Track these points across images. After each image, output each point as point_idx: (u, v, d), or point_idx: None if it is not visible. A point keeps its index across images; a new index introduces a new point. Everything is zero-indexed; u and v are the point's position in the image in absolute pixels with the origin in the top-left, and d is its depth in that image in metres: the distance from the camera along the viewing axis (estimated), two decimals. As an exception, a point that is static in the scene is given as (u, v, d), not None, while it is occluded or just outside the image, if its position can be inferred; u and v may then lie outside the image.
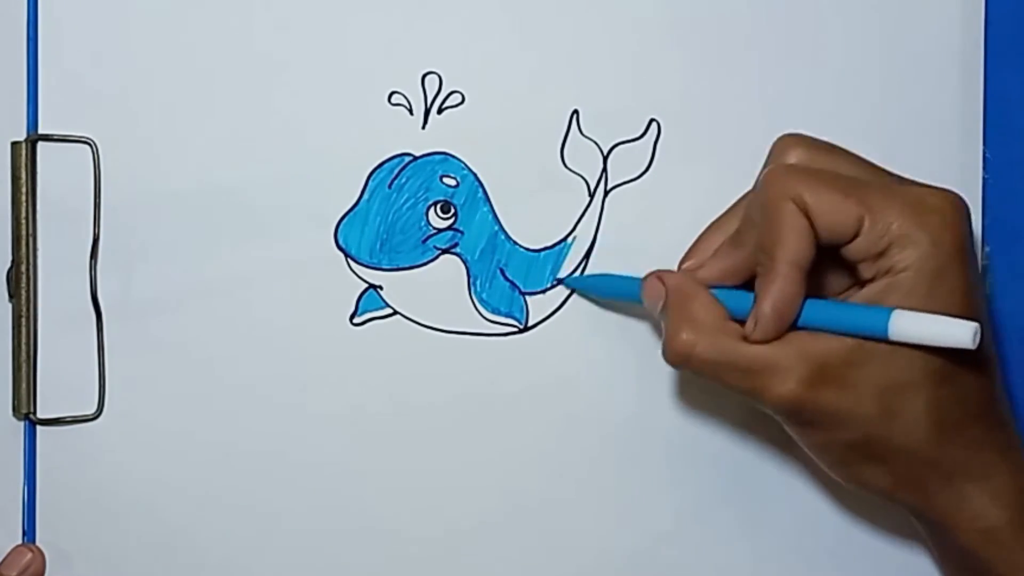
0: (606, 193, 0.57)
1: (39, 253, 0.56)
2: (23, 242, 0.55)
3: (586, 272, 0.57)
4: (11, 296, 0.55)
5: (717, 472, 0.59)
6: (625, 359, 0.58)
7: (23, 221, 0.55)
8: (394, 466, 0.57)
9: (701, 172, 0.57)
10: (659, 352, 0.57)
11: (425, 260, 0.57)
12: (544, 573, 0.58)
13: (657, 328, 0.58)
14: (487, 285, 0.57)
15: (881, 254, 0.50)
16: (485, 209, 0.57)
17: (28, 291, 0.55)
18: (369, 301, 0.57)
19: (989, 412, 0.52)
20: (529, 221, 0.57)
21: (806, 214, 0.49)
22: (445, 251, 0.57)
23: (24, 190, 0.55)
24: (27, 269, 0.55)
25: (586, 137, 0.57)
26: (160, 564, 0.57)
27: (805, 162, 0.52)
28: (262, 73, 0.56)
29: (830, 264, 0.52)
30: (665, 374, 0.58)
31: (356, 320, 0.57)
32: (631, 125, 0.57)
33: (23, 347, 0.55)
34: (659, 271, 0.54)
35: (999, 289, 0.59)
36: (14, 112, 0.55)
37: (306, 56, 0.56)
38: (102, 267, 0.56)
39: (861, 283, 0.51)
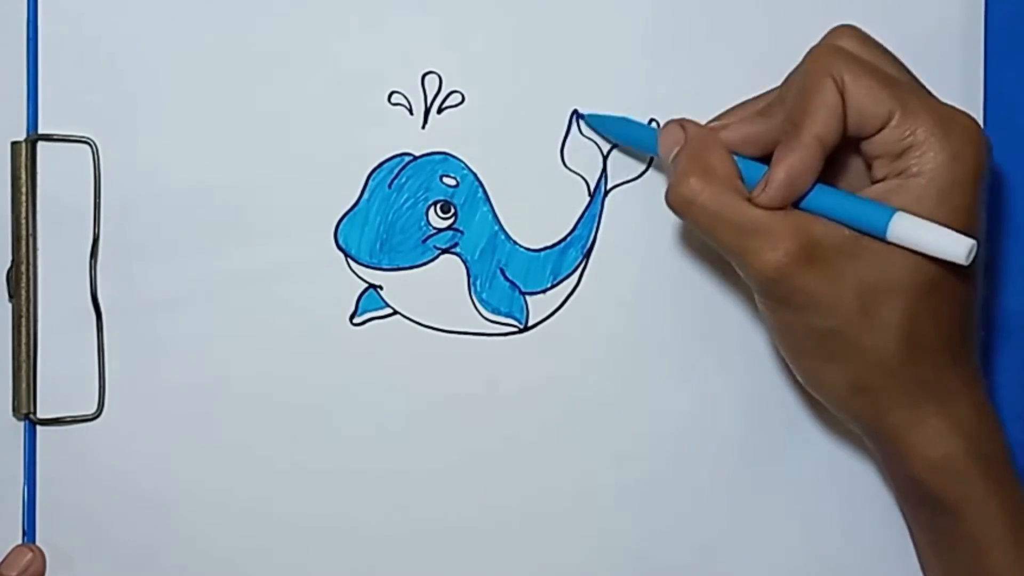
0: (606, 193, 0.57)
1: (39, 253, 0.56)
2: (23, 242, 0.55)
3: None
4: (11, 296, 0.55)
5: (717, 472, 0.59)
6: (625, 359, 0.58)
7: (23, 221, 0.55)
8: (394, 465, 0.57)
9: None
10: (659, 352, 0.57)
11: (425, 260, 0.57)
12: (544, 573, 0.58)
13: (659, 328, 0.58)
14: (487, 285, 0.57)
15: (900, 155, 0.50)
16: (485, 209, 0.57)
17: (28, 291, 0.55)
18: (369, 301, 0.57)
19: (960, 341, 0.52)
20: (529, 221, 0.57)
21: (842, 94, 0.50)
22: (445, 251, 0.57)
23: (24, 190, 0.55)
24: (27, 269, 0.55)
25: (586, 137, 0.57)
26: (160, 564, 0.57)
27: (853, 49, 0.52)
28: (262, 73, 0.56)
29: (847, 159, 0.52)
30: (665, 374, 0.58)
31: (356, 320, 0.57)
32: (631, 125, 0.58)
33: (23, 347, 0.55)
34: (681, 119, 0.54)
35: (999, 286, 0.59)
36: (14, 112, 0.55)
37: (306, 56, 0.56)
38: (102, 267, 0.56)
39: (872, 182, 0.51)
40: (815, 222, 0.50)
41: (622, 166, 0.58)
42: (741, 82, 0.57)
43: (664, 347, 0.58)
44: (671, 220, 0.57)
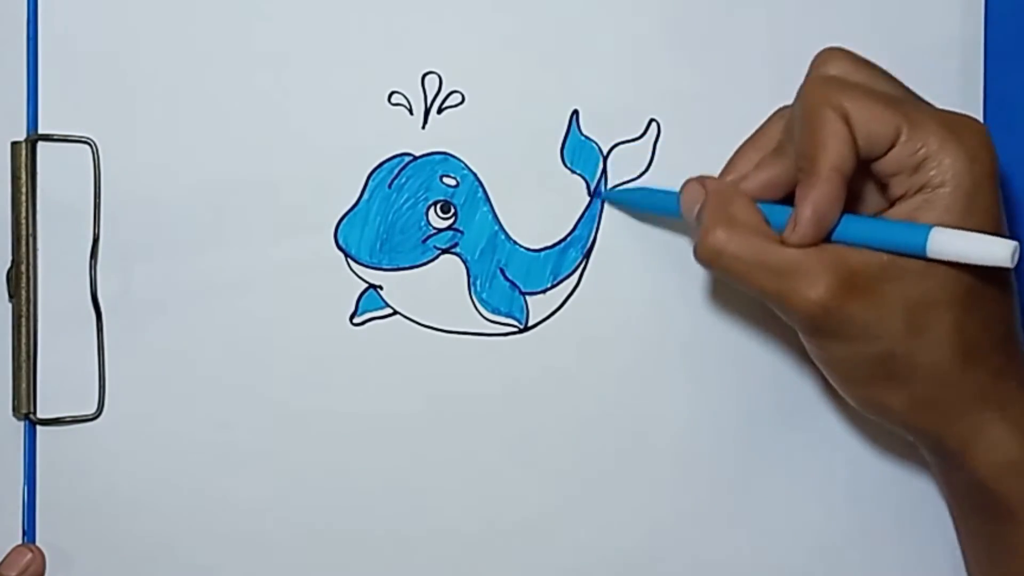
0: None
1: (39, 253, 0.56)
2: (23, 242, 0.55)
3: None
4: (11, 296, 0.55)
5: (717, 472, 0.59)
6: (625, 359, 0.58)
7: (23, 221, 0.55)
8: (394, 466, 0.57)
9: (701, 172, 0.57)
10: (659, 353, 0.57)
11: (425, 260, 0.57)
12: (544, 572, 0.58)
13: (659, 328, 0.58)
14: (487, 285, 0.57)
15: (917, 168, 0.50)
16: (485, 209, 0.57)
17: (28, 291, 0.55)
18: (369, 301, 0.57)
19: (1010, 342, 0.52)
20: (529, 221, 0.57)
21: (846, 122, 0.50)
22: (445, 251, 0.57)
23: (24, 190, 0.55)
24: (27, 269, 0.55)
25: (586, 137, 0.57)
26: (160, 564, 0.57)
27: (845, 75, 0.52)
28: (262, 73, 0.56)
29: (860, 184, 0.52)
30: (665, 374, 0.58)
31: (356, 320, 0.57)
32: (631, 125, 0.57)
33: (23, 347, 0.55)
34: (700, 176, 0.54)
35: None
36: (14, 112, 0.55)
37: (306, 56, 0.56)
38: (102, 267, 0.56)
39: (892, 202, 0.51)
40: (850, 252, 0.50)
41: (622, 166, 0.58)
42: (741, 82, 0.57)
43: (664, 347, 0.58)
44: (671, 220, 0.57)
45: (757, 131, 0.55)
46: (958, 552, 0.57)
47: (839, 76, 0.52)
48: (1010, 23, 0.59)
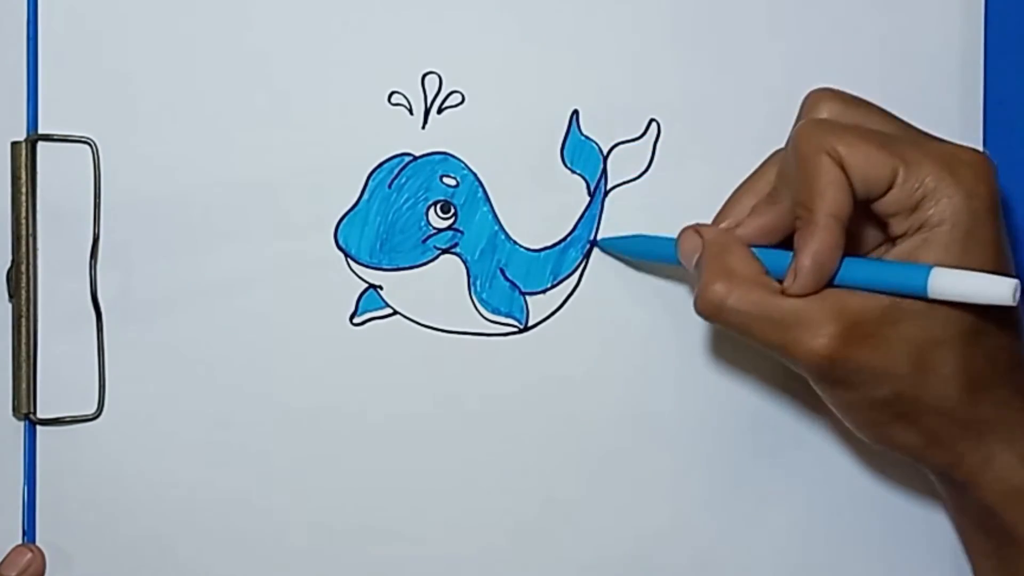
0: (606, 193, 0.58)
1: (39, 253, 0.56)
2: (23, 242, 0.55)
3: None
4: (11, 296, 0.55)
5: (718, 472, 0.59)
6: (625, 359, 0.58)
7: (23, 221, 0.55)
8: (394, 466, 0.57)
9: (701, 172, 0.57)
10: (659, 353, 0.57)
11: (425, 260, 0.57)
12: (543, 572, 0.58)
13: (659, 328, 0.58)
14: (487, 285, 0.57)
15: (915, 208, 0.50)
16: (485, 209, 0.57)
17: (28, 291, 0.55)
18: (369, 301, 0.57)
19: (1016, 372, 0.52)
20: (529, 221, 0.57)
21: (841, 167, 0.49)
22: (445, 251, 0.57)
23: (24, 190, 0.55)
24: (27, 269, 0.55)
25: (586, 137, 0.57)
26: (160, 564, 0.57)
27: (836, 116, 0.52)
28: (262, 73, 0.56)
29: (860, 222, 0.52)
30: (665, 374, 0.58)
31: (356, 320, 0.57)
32: (631, 125, 0.57)
33: (23, 347, 0.55)
34: (696, 224, 0.54)
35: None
36: (14, 112, 0.55)
37: (306, 56, 0.56)
38: (102, 267, 0.56)
39: (892, 239, 0.51)
40: (851, 297, 0.50)
41: (622, 166, 0.58)
42: (741, 82, 0.57)
43: (664, 347, 0.58)
44: (671, 220, 0.57)
45: (751, 176, 0.55)
46: (958, 553, 0.57)
47: (831, 120, 0.52)
48: (1010, 23, 0.59)
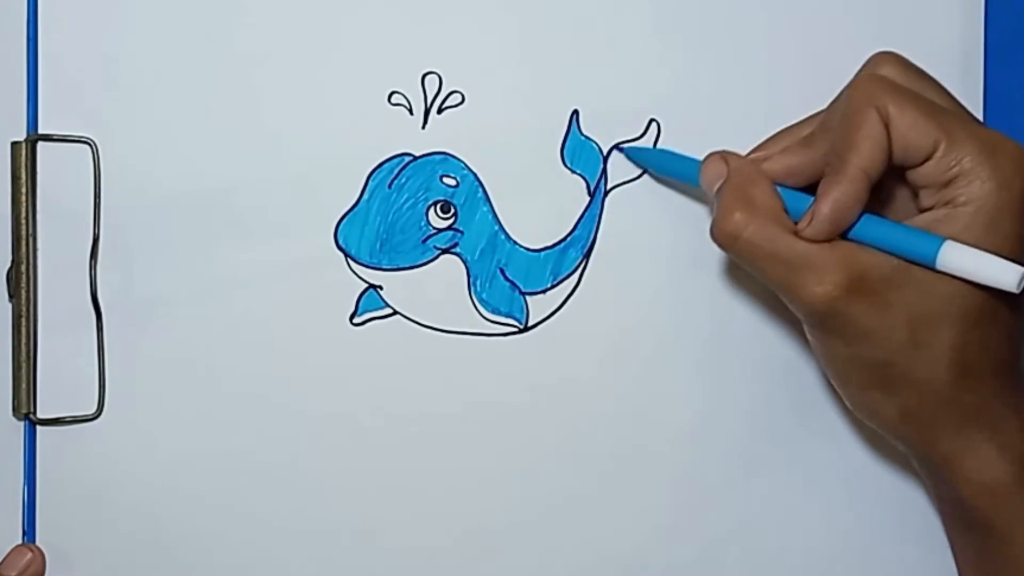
0: (606, 193, 0.58)
1: (39, 253, 0.56)
2: (23, 242, 0.55)
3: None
4: (11, 296, 0.55)
5: (719, 471, 0.59)
6: (625, 359, 0.58)
7: (23, 221, 0.55)
8: (394, 466, 0.57)
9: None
10: (659, 353, 0.57)
11: (425, 260, 0.57)
12: (544, 572, 0.58)
13: (659, 328, 0.58)
14: (487, 285, 0.57)
15: (947, 184, 0.50)
16: (485, 209, 0.57)
17: (28, 291, 0.55)
18: (369, 301, 0.57)
19: (1008, 368, 0.52)
20: (529, 221, 0.57)
21: (886, 125, 0.49)
22: (445, 251, 0.57)
23: (24, 190, 0.55)
24: (27, 269, 0.55)
25: (586, 137, 0.57)
26: (160, 564, 0.57)
27: (895, 78, 0.52)
28: (262, 73, 0.56)
29: (894, 188, 0.52)
30: (665, 374, 0.58)
31: (356, 320, 0.57)
32: (631, 125, 0.57)
33: (23, 347, 0.55)
34: (723, 151, 0.54)
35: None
36: (14, 112, 0.55)
37: (306, 56, 0.56)
38: (102, 267, 0.56)
39: (920, 211, 0.51)
40: (863, 253, 0.50)
41: (622, 166, 0.58)
42: (741, 82, 0.57)
43: (664, 347, 0.58)
44: (671, 220, 0.57)
45: (798, 122, 0.55)
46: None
47: (889, 78, 0.51)
48: (1010, 23, 0.59)
